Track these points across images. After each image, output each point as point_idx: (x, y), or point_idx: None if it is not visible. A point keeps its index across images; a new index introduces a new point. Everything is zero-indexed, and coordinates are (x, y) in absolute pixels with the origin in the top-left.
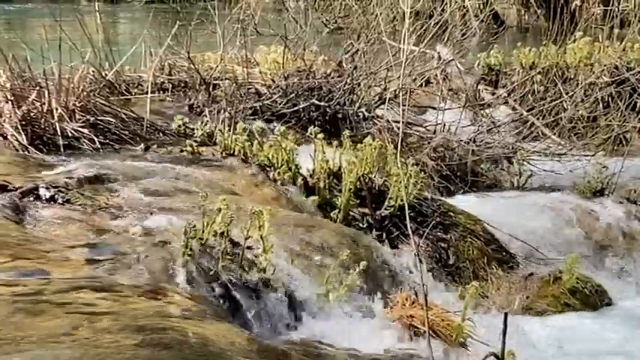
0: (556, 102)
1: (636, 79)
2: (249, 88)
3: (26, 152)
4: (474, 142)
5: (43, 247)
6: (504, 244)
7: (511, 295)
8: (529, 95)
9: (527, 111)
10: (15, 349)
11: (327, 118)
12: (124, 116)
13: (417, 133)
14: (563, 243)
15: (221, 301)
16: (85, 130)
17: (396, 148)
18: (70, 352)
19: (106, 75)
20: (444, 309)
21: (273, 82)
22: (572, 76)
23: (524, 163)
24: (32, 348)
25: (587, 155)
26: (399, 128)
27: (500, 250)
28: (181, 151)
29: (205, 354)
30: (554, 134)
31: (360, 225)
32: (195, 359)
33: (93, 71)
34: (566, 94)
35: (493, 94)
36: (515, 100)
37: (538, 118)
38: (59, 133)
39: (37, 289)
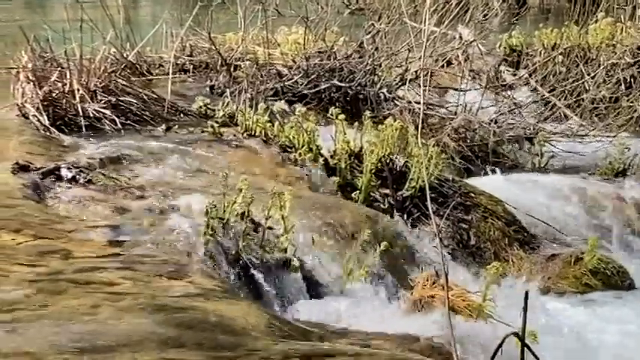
0: (578, 83)
1: None
2: (270, 69)
3: (48, 133)
4: (496, 123)
5: (65, 226)
6: (525, 225)
7: (532, 276)
8: (551, 76)
9: (549, 92)
10: (36, 328)
11: (348, 99)
12: (145, 97)
13: (438, 114)
14: (584, 224)
15: (242, 281)
16: (107, 111)
17: (416, 129)
18: (90, 331)
19: (128, 56)
20: (465, 289)
21: (294, 63)
22: (594, 57)
23: (546, 144)
24: (53, 327)
25: (608, 136)
26: (420, 109)
27: (522, 231)
28: (202, 131)
29: (226, 333)
30: (576, 115)
31: (381, 206)
32: (215, 338)
33: (114, 52)
34: (588, 74)
35: (514, 75)
36: (536, 81)
37: (560, 99)
38: (80, 114)
39: (58, 269)
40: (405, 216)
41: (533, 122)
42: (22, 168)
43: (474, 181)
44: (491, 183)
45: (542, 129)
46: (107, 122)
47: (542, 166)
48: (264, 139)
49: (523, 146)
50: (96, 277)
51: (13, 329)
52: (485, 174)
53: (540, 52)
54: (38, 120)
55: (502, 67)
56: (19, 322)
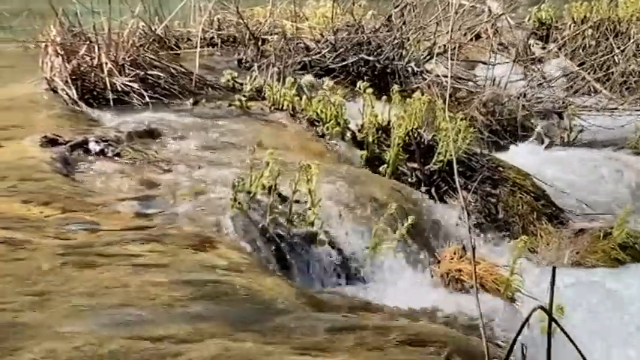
0: (607, 56)
1: None
2: (297, 43)
3: (76, 106)
4: (524, 96)
5: (93, 200)
6: (554, 200)
7: (560, 251)
8: (580, 49)
9: (578, 65)
10: (64, 300)
11: (375, 72)
12: (173, 71)
13: (467, 88)
14: (613, 198)
15: (269, 254)
16: (135, 85)
17: (444, 102)
18: (118, 303)
19: (156, 30)
20: (493, 263)
21: (322, 36)
22: (624, 30)
23: (575, 118)
24: (81, 300)
25: (638, 110)
26: (448, 83)
27: (550, 206)
28: (230, 105)
29: (254, 306)
30: (606, 89)
31: (409, 180)
32: (243, 312)
33: (142, 26)
34: (618, 48)
35: (544, 48)
36: (566, 55)
37: (589, 73)
38: (109, 88)
39: (86, 242)
40: (433, 190)
41: (563, 96)
42: (51, 141)
43: (503, 155)
44: (519, 157)
45: (571, 103)
46: (135, 96)
47: (571, 140)
48: (292, 113)
49: (552, 120)
50: (123, 250)
51: (40, 302)
52: (514, 148)
53: (570, 26)
54: (67, 94)
55: (531, 41)
56: (46, 294)
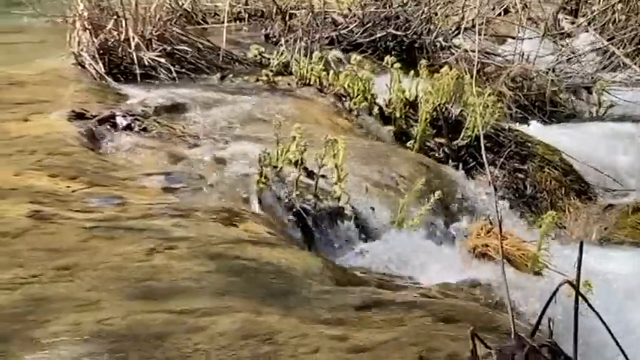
0: (637, 31)
1: None
2: (325, 18)
3: (103, 81)
4: (553, 71)
5: (119, 174)
6: (582, 175)
7: (589, 226)
8: (610, 24)
9: (608, 40)
10: (90, 273)
11: (403, 47)
12: (200, 45)
13: (495, 63)
14: None
15: (295, 229)
16: (162, 60)
17: (472, 77)
18: (144, 277)
19: (183, 4)
20: (520, 238)
21: (350, 11)
22: None
23: (604, 93)
24: (107, 273)
25: None
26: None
27: (579, 181)
28: (257, 80)
29: (280, 280)
30: (635, 64)
31: (437, 155)
32: (269, 286)
33: (169, 0)
34: None
35: (573, 22)
36: (595, 29)
37: (619, 48)
38: (136, 62)
39: (112, 216)
40: (460, 165)
41: (592, 71)
42: (78, 116)
43: (531, 131)
44: (548, 132)
45: (600, 78)
46: (162, 71)
47: (600, 115)
48: (319, 87)
49: (581, 95)
50: (150, 224)
51: (67, 275)
52: (543, 123)
53: (599, 0)
54: (94, 68)
55: (560, 15)
56: (73, 268)
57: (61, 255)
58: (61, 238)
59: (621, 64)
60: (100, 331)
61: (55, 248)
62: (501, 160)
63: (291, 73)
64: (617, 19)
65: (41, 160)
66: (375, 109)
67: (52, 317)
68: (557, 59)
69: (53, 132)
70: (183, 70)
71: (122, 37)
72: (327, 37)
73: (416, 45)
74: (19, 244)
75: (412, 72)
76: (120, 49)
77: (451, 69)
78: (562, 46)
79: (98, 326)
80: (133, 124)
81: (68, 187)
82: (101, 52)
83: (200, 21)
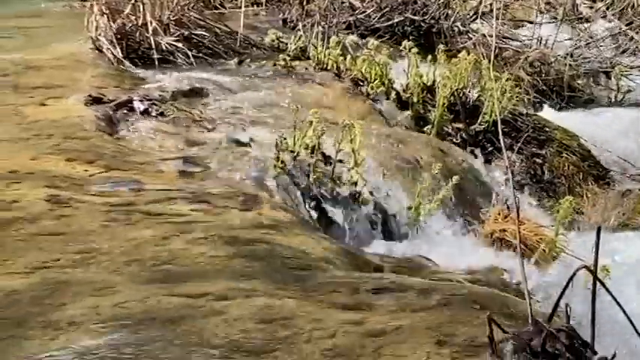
0: None
1: None
2: (342, 2)
3: (121, 65)
4: (571, 56)
5: (137, 158)
6: (600, 160)
7: (606, 212)
8: (628, 9)
9: (627, 25)
10: (108, 257)
11: (421, 32)
12: (217, 30)
13: (513, 48)
14: None
15: (312, 214)
16: (179, 44)
17: (490, 62)
18: (161, 261)
19: None
20: (537, 224)
21: None
22: None
23: (622, 78)
24: (124, 257)
25: None
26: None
27: (597, 166)
28: (274, 65)
29: (297, 264)
30: None
31: (454, 140)
32: (286, 270)
33: None
34: None
35: (591, 7)
36: (614, 14)
37: (637, 32)
38: (153, 47)
39: (130, 200)
40: (478, 150)
41: (610, 56)
42: (96, 100)
43: (549, 116)
44: (566, 117)
45: (619, 63)
46: (180, 55)
47: (618, 100)
48: (336, 72)
49: (599, 80)
50: (167, 209)
51: (84, 259)
52: (561, 108)
53: None
54: (111, 53)
55: (579, 0)
56: (91, 252)
57: (79, 239)
58: (79, 222)
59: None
60: (117, 314)
61: (72, 232)
62: (519, 145)
63: (308, 58)
64: (635, 4)
65: (58, 145)
66: (393, 94)
67: (69, 301)
68: (576, 44)
69: (70, 116)
70: (201, 55)
71: (140, 21)
72: (344, 22)
73: (433, 30)
74: (36, 228)
75: (430, 57)
76: (137, 33)
77: (469, 54)
78: (580, 30)
79: (115, 310)
80: (150, 109)
81: (85, 171)
82: (119, 36)
83: (217, 5)
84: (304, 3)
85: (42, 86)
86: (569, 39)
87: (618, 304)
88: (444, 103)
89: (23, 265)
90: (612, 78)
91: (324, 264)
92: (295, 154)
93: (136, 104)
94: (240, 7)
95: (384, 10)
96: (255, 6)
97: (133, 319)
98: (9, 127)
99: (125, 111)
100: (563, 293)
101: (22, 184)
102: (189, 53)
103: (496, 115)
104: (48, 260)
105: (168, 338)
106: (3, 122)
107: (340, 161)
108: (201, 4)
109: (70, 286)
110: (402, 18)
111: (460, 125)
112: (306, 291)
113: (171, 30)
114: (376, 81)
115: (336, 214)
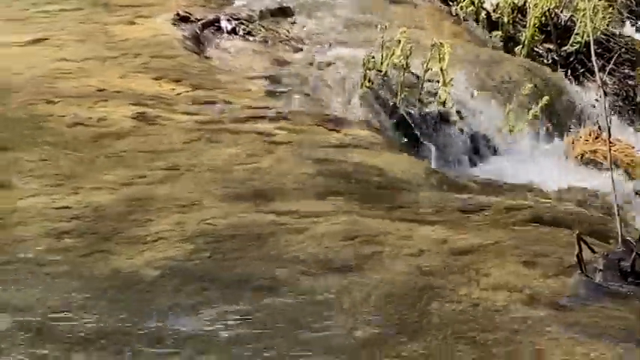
0: None
1: None
2: None
3: None
4: None
5: (223, 77)
6: None
7: None
8: None
9: None
10: (193, 174)
11: None
12: None
13: None
14: None
15: (399, 133)
16: None
17: None
18: (246, 179)
19: None
20: (629, 145)
21: None
22: None
23: None
24: (210, 174)
25: None
26: None
27: None
28: None
29: (383, 183)
30: None
31: (544, 61)
32: (372, 188)
33: None
34: None
35: None
36: None
37: None
38: None
39: (215, 118)
40: (569, 71)
41: None
42: (183, 19)
43: None
44: None
45: None
46: None
47: None
48: None
49: None
50: (253, 127)
51: (170, 176)
52: None
53: None
54: None
55: None
56: (177, 169)
57: (165, 156)
58: (165, 140)
59: None
60: (202, 230)
61: (158, 150)
62: (610, 66)
63: None
64: None
65: (146, 63)
66: (483, 14)
67: (154, 217)
68: None
69: (158, 35)
70: None
71: None
72: None
73: None
74: (122, 145)
75: None
76: None
77: None
78: None
79: (200, 226)
80: (237, 28)
81: (172, 89)
82: None
83: None
84: None
85: (130, 5)
86: None
87: None
88: (535, 24)
89: (110, 181)
90: None
91: (411, 183)
92: (383, 72)
93: (224, 24)
94: None
95: None
96: None
97: (218, 235)
98: (98, 46)
99: (212, 30)
100: None
101: (110, 102)
102: None
103: (588, 36)
104: (134, 177)
105: (253, 254)
106: (92, 41)
107: (429, 80)
108: None
109: (155, 202)
110: None
111: (551, 46)
112: (392, 209)
113: None
114: (466, 1)
115: (424, 133)
